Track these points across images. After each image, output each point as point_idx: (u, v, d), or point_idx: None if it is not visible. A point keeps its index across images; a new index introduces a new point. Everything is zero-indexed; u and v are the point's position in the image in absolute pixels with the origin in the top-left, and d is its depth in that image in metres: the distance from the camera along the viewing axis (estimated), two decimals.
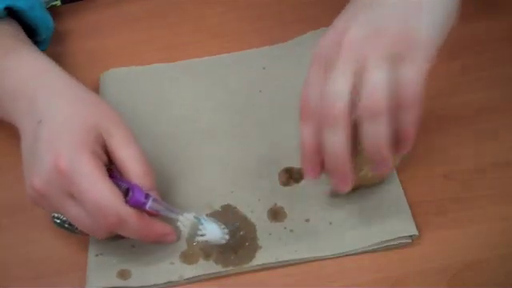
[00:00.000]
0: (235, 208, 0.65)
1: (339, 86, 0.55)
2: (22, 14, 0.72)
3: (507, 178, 0.65)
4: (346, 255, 0.61)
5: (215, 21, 0.83)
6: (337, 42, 0.56)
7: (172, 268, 0.62)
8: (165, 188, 0.66)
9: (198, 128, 0.72)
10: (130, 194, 0.59)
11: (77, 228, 0.62)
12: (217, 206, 0.65)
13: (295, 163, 0.67)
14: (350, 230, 0.62)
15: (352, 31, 0.56)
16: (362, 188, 0.64)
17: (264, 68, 0.77)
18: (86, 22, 0.84)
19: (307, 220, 0.64)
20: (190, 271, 0.61)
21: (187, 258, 0.62)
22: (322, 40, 0.58)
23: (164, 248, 0.63)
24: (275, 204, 0.65)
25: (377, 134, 0.55)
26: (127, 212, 0.59)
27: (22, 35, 0.71)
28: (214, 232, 0.60)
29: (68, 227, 0.64)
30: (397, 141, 0.57)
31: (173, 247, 0.63)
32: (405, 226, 0.62)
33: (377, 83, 0.55)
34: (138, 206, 0.60)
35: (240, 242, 0.63)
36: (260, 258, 0.61)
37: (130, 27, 0.84)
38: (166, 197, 0.66)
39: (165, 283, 0.61)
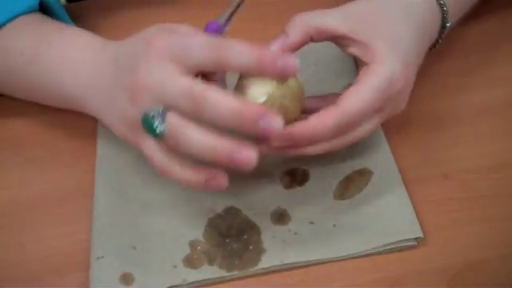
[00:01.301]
0: (239, 211, 0.65)
1: None
2: (49, 7, 0.73)
3: (507, 178, 0.65)
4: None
5: None
6: None
7: (175, 271, 0.61)
8: (167, 191, 0.66)
9: None
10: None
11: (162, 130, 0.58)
12: (219, 209, 0.65)
13: (297, 165, 0.67)
14: (355, 232, 0.62)
15: None
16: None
17: None
18: (85, 21, 0.84)
19: (311, 222, 0.64)
20: (193, 275, 0.61)
21: (191, 262, 0.62)
22: None
23: (166, 250, 0.63)
24: (278, 207, 0.65)
25: None
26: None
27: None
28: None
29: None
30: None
31: (175, 250, 0.63)
32: (410, 228, 0.62)
33: None
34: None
35: (244, 245, 0.63)
36: (265, 262, 0.61)
37: (130, 27, 0.83)
38: (168, 199, 0.66)
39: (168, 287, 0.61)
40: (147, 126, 0.57)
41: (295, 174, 0.67)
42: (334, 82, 0.72)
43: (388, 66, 0.60)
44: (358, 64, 0.64)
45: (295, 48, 0.63)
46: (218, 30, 0.62)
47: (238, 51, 0.56)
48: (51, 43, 0.68)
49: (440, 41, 0.68)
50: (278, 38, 0.63)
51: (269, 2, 0.84)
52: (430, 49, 0.68)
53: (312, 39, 0.63)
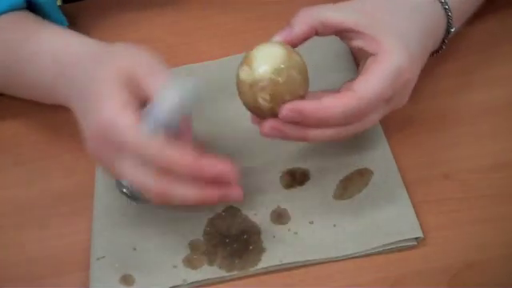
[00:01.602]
0: (239, 211, 0.65)
1: None
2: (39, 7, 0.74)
3: (507, 178, 0.65)
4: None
5: (216, 21, 0.83)
6: None
7: (175, 272, 0.61)
8: None
9: (199, 131, 0.72)
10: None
11: (137, 195, 0.62)
12: (219, 209, 0.65)
13: (297, 165, 0.67)
14: (355, 231, 0.62)
15: None
16: None
17: None
18: (85, 21, 0.84)
19: (311, 222, 0.64)
20: (193, 276, 0.61)
21: (191, 262, 0.62)
22: None
23: (166, 251, 0.63)
24: (278, 206, 0.65)
25: None
26: (166, 152, 0.56)
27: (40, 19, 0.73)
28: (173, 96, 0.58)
29: (130, 195, 0.64)
30: None
31: (175, 250, 0.63)
32: (410, 228, 0.62)
33: None
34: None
35: (244, 245, 0.62)
36: (265, 261, 0.61)
37: (130, 27, 0.84)
38: None
39: None
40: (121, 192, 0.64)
41: (295, 174, 0.67)
42: (332, 79, 0.72)
43: (397, 56, 0.60)
44: (358, 59, 0.64)
45: (299, 41, 0.63)
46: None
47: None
48: (30, 38, 0.69)
49: (443, 46, 0.68)
50: (282, 30, 0.63)
51: (269, 2, 0.84)
52: (433, 54, 0.68)
53: (317, 33, 0.63)
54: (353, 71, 0.73)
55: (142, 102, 0.59)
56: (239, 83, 0.61)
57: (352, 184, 0.65)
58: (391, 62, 0.60)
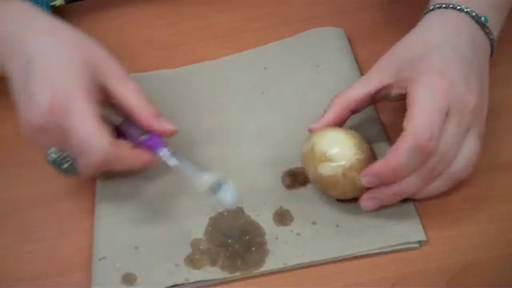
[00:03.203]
0: (241, 211, 0.65)
1: None
2: None
3: (507, 177, 0.65)
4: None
5: (215, 21, 0.83)
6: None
7: (177, 270, 0.61)
8: (169, 190, 0.67)
9: (200, 131, 0.72)
10: (147, 136, 0.62)
11: (67, 166, 0.64)
12: (222, 209, 0.65)
13: (298, 165, 0.66)
14: (358, 232, 0.62)
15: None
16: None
17: (265, 68, 0.76)
18: (85, 22, 0.84)
19: (314, 223, 0.63)
20: (196, 275, 0.61)
21: (193, 262, 0.62)
22: None
23: (168, 250, 0.63)
24: (281, 207, 0.65)
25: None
26: (113, 151, 0.59)
27: None
28: (230, 196, 0.62)
29: (60, 166, 0.65)
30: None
31: (178, 249, 0.63)
32: (413, 232, 0.61)
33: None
34: (150, 149, 0.62)
35: (246, 246, 0.62)
36: (269, 264, 0.61)
37: (130, 27, 0.84)
38: (170, 199, 0.66)
39: (170, 286, 0.61)
40: (55, 167, 0.66)
41: (296, 175, 0.67)
42: (335, 83, 0.72)
43: (427, 79, 0.60)
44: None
45: (333, 124, 0.64)
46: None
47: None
48: None
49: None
50: (317, 121, 0.64)
51: (269, 2, 0.84)
52: None
53: (353, 112, 0.65)
54: (356, 73, 0.74)
55: (98, 95, 0.61)
56: (326, 180, 0.61)
57: None
58: (423, 87, 0.60)
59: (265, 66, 0.77)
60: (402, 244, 0.61)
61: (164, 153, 0.63)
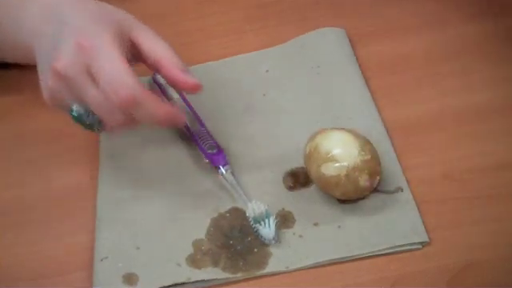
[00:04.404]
0: (243, 213, 0.64)
1: None
2: None
3: (507, 177, 0.65)
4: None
5: (215, 21, 0.83)
6: None
7: (179, 270, 0.61)
8: (170, 190, 0.67)
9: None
10: (214, 150, 0.67)
11: (93, 122, 0.64)
12: (223, 210, 0.65)
13: (299, 165, 0.66)
14: (360, 233, 0.62)
15: None
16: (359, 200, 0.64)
17: (267, 71, 0.76)
18: None
19: (316, 224, 0.63)
20: (197, 275, 0.61)
21: (194, 262, 0.62)
22: None
23: (170, 250, 0.63)
24: (283, 209, 0.65)
25: None
26: (141, 90, 0.60)
27: None
28: (271, 230, 0.62)
29: (85, 120, 0.65)
30: None
31: (179, 249, 0.63)
32: (416, 232, 0.61)
33: None
34: (213, 162, 0.67)
35: (248, 248, 0.62)
36: (272, 267, 0.61)
37: None
38: (171, 198, 0.66)
39: (172, 285, 0.61)
40: (80, 122, 0.65)
41: (298, 175, 0.67)
42: (337, 83, 0.72)
43: None
44: None
45: None
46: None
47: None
48: None
49: None
50: None
51: (269, 2, 0.84)
52: None
53: None
54: (357, 74, 0.74)
55: (125, 47, 0.62)
56: (329, 180, 0.61)
57: None
58: None
59: (266, 68, 0.77)
60: (404, 245, 0.61)
61: (226, 169, 0.66)
